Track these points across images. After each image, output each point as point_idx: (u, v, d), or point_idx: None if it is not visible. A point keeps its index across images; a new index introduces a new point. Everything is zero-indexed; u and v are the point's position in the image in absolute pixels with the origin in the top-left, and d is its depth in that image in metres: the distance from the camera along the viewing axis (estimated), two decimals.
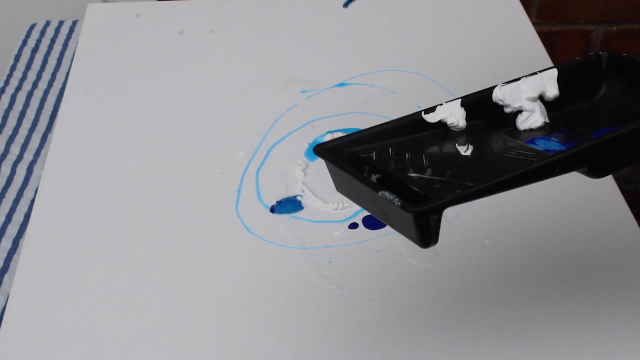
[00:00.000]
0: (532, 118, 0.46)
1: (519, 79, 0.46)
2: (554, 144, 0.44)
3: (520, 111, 0.46)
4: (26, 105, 1.03)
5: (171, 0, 0.93)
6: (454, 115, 0.45)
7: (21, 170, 0.93)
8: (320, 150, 0.41)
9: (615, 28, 1.29)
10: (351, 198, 0.41)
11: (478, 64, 0.79)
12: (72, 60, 0.87)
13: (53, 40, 1.15)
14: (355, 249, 0.60)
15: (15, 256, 0.83)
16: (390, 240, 0.61)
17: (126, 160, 0.70)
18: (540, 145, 0.44)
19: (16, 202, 0.89)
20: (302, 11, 0.91)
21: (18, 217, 0.87)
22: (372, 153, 0.42)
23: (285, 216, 0.63)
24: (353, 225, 0.62)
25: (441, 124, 0.45)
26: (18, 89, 1.06)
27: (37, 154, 0.96)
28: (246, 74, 0.80)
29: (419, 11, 0.90)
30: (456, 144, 0.44)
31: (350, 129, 0.71)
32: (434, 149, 0.43)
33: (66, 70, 1.09)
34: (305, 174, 0.67)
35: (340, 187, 0.42)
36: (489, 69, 0.79)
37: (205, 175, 0.68)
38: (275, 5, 0.92)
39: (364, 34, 0.86)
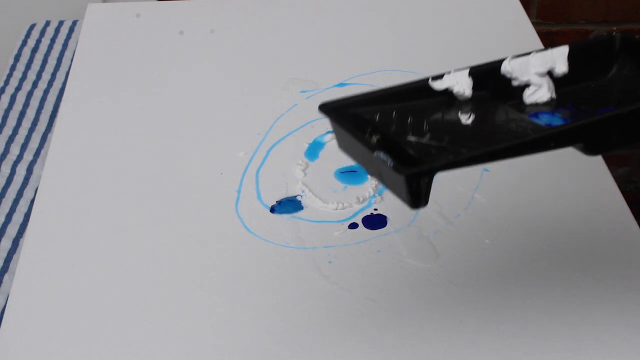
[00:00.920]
0: (539, 93, 0.46)
1: (529, 53, 0.46)
2: (557, 120, 0.44)
3: (527, 85, 0.46)
4: (26, 105, 1.03)
5: (171, 0, 0.93)
6: (461, 84, 0.44)
7: (21, 170, 0.93)
8: (326, 108, 0.42)
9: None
10: (351, 156, 0.42)
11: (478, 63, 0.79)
12: (72, 60, 0.87)
13: (53, 40, 1.15)
14: (355, 249, 0.60)
15: (15, 256, 0.83)
16: (390, 240, 0.61)
17: (126, 160, 0.70)
18: (543, 120, 0.44)
19: (16, 202, 0.89)
20: (302, 11, 0.91)
21: (18, 217, 0.87)
22: (376, 115, 0.42)
23: (285, 216, 0.63)
24: (353, 225, 0.62)
25: (447, 92, 0.44)
26: (18, 89, 1.06)
27: (37, 154, 0.96)
28: (246, 74, 0.80)
29: (419, 11, 0.90)
30: (459, 113, 0.44)
31: None
32: (437, 115, 0.43)
33: (66, 70, 1.09)
34: (305, 174, 0.67)
35: (342, 145, 0.42)
36: None
37: (205, 175, 0.68)
38: (275, 5, 0.92)
39: (364, 34, 0.86)
